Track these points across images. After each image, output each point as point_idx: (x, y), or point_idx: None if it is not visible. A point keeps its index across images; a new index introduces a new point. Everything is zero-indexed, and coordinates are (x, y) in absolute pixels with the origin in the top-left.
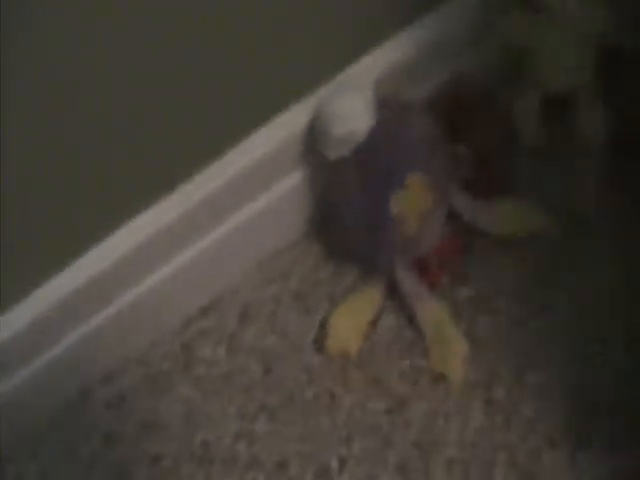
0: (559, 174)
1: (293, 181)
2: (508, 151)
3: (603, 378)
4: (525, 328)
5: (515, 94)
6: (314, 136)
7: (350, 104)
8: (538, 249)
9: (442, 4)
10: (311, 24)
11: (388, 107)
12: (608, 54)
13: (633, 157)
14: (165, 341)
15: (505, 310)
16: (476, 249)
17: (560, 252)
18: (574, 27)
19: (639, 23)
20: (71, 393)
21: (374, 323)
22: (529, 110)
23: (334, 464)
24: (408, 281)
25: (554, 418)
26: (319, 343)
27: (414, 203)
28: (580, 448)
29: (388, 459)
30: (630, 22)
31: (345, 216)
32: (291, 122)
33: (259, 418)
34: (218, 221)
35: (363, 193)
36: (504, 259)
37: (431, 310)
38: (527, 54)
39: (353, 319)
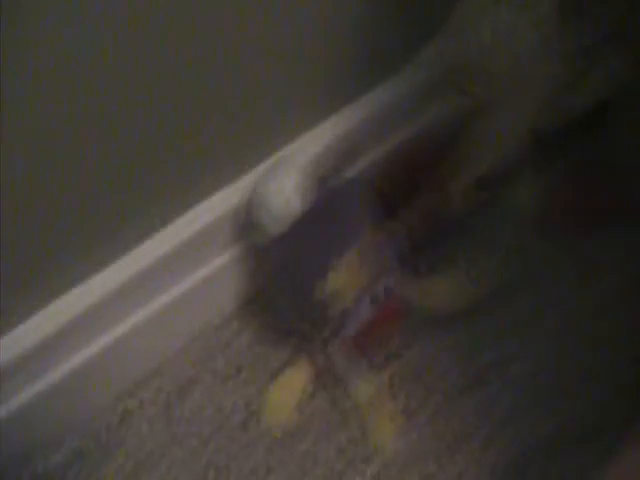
0: (493, 247)
1: (228, 258)
2: (444, 226)
3: (532, 445)
4: (459, 402)
5: (453, 172)
6: (251, 214)
7: (287, 183)
8: (471, 322)
9: (376, 86)
10: (248, 105)
11: (325, 185)
12: (537, 135)
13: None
14: (101, 414)
15: (439, 384)
16: (411, 324)
17: (492, 325)
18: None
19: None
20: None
21: (309, 397)
22: (466, 187)
23: None
24: (343, 356)
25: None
26: (256, 417)
27: (349, 280)
28: None
29: None
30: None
31: (280, 293)
32: (227, 200)
33: None
34: (154, 295)
35: (298, 270)
36: (438, 333)
37: (365, 385)
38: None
39: (288, 393)
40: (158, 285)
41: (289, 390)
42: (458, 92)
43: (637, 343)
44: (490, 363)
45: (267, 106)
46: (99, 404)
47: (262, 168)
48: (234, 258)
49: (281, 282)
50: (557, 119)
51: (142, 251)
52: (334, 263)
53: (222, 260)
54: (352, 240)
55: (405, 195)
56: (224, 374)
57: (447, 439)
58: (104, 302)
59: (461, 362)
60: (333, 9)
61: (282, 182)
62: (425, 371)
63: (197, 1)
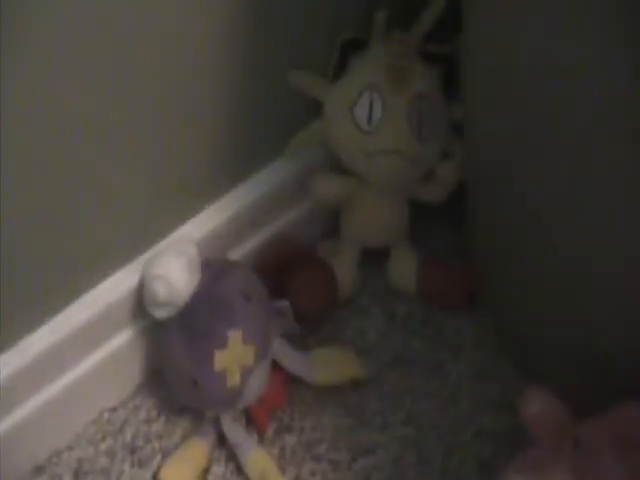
0: (377, 320)
1: (126, 338)
2: (330, 302)
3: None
4: (347, 472)
5: (334, 250)
6: (142, 296)
7: (172, 268)
8: (358, 394)
9: (255, 172)
10: (137, 195)
11: (210, 267)
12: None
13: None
14: None
15: (327, 455)
16: (299, 397)
17: (379, 395)
18: (384, 189)
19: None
20: None
21: (205, 472)
22: (347, 264)
23: None
24: (235, 431)
25: None
26: None
27: (236, 359)
28: None
29: None
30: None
31: (171, 372)
32: (121, 283)
33: None
34: (49, 380)
35: (187, 351)
36: (325, 406)
37: (257, 458)
38: (343, 212)
39: (184, 469)
40: (55, 370)
41: (184, 467)
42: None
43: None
44: (377, 431)
45: (155, 196)
46: None
47: (151, 254)
48: (132, 338)
49: (172, 363)
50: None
51: (47, 331)
52: (220, 344)
53: (120, 340)
54: (237, 320)
55: (290, 275)
56: (122, 454)
57: None
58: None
59: (347, 433)
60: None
61: (168, 266)
62: (314, 443)
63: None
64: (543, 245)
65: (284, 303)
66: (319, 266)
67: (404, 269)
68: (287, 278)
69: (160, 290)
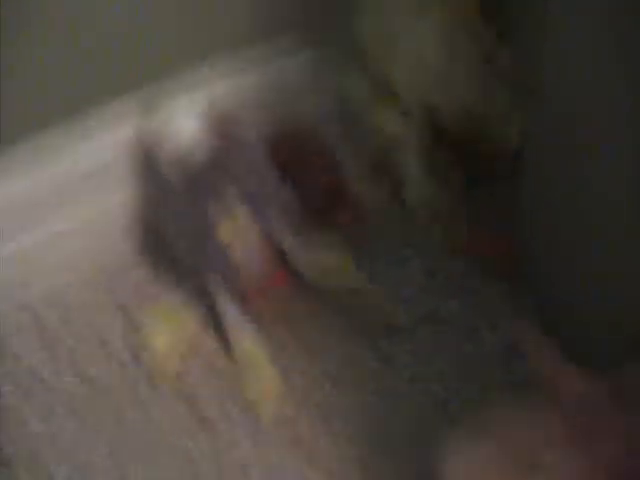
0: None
1: (122, 198)
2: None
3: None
4: (336, 369)
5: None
6: (144, 155)
7: (184, 127)
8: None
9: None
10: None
11: (222, 136)
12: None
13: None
14: None
15: (320, 350)
16: (299, 290)
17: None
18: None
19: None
20: None
21: (193, 341)
22: (361, 168)
23: (134, 476)
24: (230, 310)
25: (356, 464)
26: (137, 356)
27: (239, 232)
28: None
29: (188, 475)
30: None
31: (172, 237)
32: (121, 139)
33: (69, 419)
34: (41, 227)
35: (191, 217)
36: (325, 304)
37: (248, 342)
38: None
39: (172, 334)
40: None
41: (173, 336)
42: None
43: None
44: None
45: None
46: None
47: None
48: (132, 199)
49: (174, 228)
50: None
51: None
52: (226, 215)
53: (120, 198)
54: (245, 194)
55: (300, 163)
56: (111, 311)
57: (323, 408)
58: None
59: (341, 334)
60: None
61: (180, 125)
62: (308, 336)
63: None
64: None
65: (290, 193)
66: (330, 162)
67: (416, 184)
68: (297, 165)
69: (169, 147)
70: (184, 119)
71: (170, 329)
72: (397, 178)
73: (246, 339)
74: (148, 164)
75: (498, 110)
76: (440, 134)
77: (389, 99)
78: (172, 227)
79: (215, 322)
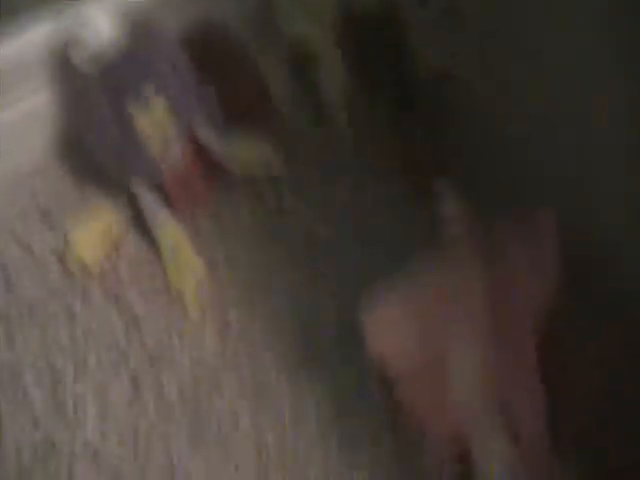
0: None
1: (39, 100)
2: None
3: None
4: (258, 257)
5: (264, 48)
6: (61, 57)
7: (100, 27)
8: (274, 185)
9: None
10: None
11: (138, 31)
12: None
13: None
14: None
15: (240, 240)
16: (220, 183)
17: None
18: None
19: None
20: None
21: (117, 243)
22: (277, 64)
23: (69, 374)
24: (151, 203)
25: (283, 340)
26: (62, 260)
27: (158, 126)
28: (306, 364)
29: (122, 372)
30: None
31: (90, 136)
32: (38, 41)
33: None
34: None
35: (108, 113)
36: (244, 193)
37: (170, 232)
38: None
39: (96, 236)
40: None
41: (96, 234)
42: None
43: None
44: (292, 221)
45: None
46: None
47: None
48: (43, 103)
49: (91, 126)
50: None
51: None
52: (143, 108)
53: (36, 101)
54: (161, 87)
55: (216, 61)
56: (34, 216)
57: (247, 291)
58: None
59: (262, 220)
60: None
61: (95, 21)
62: (229, 227)
63: None
64: None
65: (209, 88)
66: (249, 66)
67: (331, 76)
68: (213, 63)
69: (83, 43)
70: (100, 20)
71: (94, 231)
72: (320, 92)
73: (169, 232)
74: (65, 65)
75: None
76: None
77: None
78: (91, 127)
79: (139, 220)
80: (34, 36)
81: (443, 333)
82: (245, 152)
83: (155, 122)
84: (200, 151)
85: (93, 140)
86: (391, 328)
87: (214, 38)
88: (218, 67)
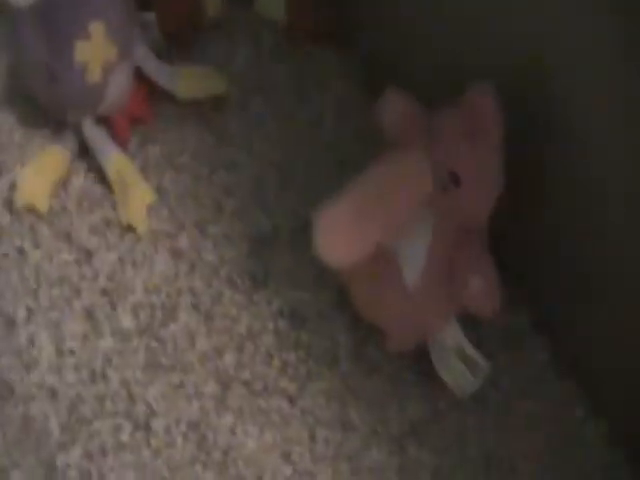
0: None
1: None
2: (194, 22)
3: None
4: (207, 184)
5: None
6: None
7: None
8: (221, 114)
9: None
10: None
11: None
12: None
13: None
14: None
15: (190, 167)
16: (162, 111)
17: (244, 118)
18: None
19: None
20: None
21: (64, 180)
22: None
23: (21, 315)
24: (96, 135)
25: (235, 263)
26: (8, 201)
27: (97, 53)
28: (257, 288)
29: (75, 307)
30: None
31: (28, 70)
32: None
33: None
34: None
35: (46, 43)
36: (188, 121)
37: (116, 160)
38: None
39: (43, 176)
40: None
41: (42, 173)
42: None
43: None
44: (238, 147)
45: None
46: None
47: None
48: None
49: (29, 59)
50: None
51: None
52: (81, 35)
53: None
54: (99, 13)
55: None
56: None
57: (197, 215)
58: None
59: (209, 148)
60: None
61: None
62: (177, 155)
63: None
64: None
65: (150, 14)
66: None
67: None
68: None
69: None
70: None
71: (40, 171)
72: None
73: (115, 162)
74: None
75: None
76: None
77: None
78: (30, 60)
79: (86, 155)
80: None
81: (390, 224)
82: (188, 76)
83: (94, 48)
84: (143, 78)
85: (29, 74)
86: (337, 229)
87: None
88: None
